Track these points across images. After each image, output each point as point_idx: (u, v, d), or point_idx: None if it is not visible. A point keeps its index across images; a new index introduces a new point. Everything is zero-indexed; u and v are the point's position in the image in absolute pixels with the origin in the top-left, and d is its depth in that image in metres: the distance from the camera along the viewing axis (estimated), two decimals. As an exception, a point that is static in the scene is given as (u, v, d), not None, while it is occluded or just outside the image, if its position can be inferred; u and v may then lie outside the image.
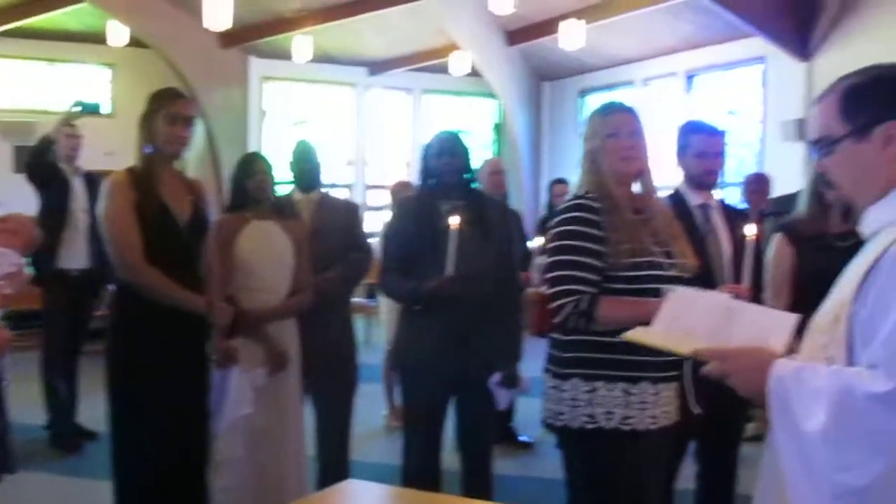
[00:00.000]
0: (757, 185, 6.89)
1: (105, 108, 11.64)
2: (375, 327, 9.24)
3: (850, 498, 1.65)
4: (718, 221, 3.67)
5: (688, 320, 2.20)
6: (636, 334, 2.27)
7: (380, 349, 6.95)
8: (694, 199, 3.65)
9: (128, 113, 11.30)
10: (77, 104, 5.99)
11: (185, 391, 3.65)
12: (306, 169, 4.44)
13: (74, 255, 5.99)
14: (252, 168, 4.03)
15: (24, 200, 6.05)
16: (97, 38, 11.79)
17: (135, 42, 11.67)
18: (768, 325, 2.11)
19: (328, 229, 4.31)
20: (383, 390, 6.63)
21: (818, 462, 1.67)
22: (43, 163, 5.86)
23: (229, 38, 11.76)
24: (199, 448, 3.74)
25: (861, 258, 1.85)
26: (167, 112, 3.63)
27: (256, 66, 13.06)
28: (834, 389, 1.68)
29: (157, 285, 3.54)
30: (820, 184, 2.02)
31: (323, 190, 4.54)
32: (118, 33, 11.42)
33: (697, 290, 2.33)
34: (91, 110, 6.07)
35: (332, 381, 4.34)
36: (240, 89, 12.92)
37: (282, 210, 4.10)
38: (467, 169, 3.91)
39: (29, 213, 4.73)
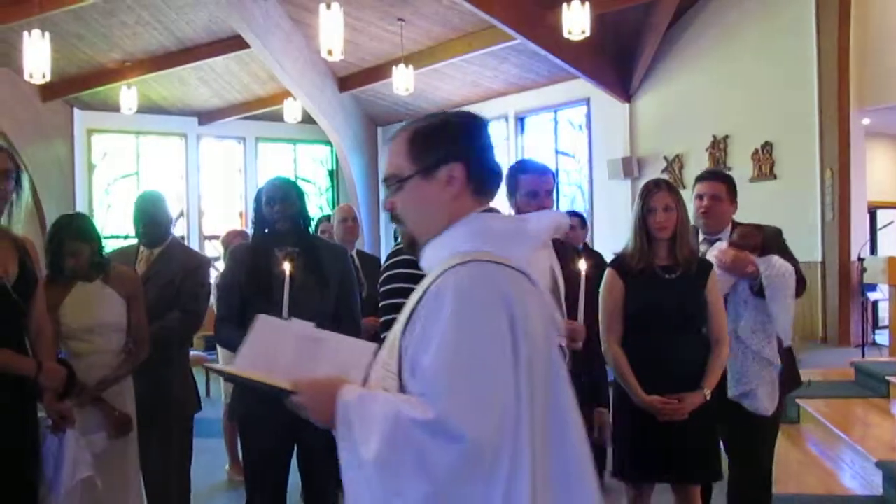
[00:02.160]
0: (573, 223, 7.09)
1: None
2: (215, 381, 9.03)
3: None
4: (553, 259, 3.76)
5: (276, 350, 2.10)
6: (235, 369, 2.16)
7: (220, 403, 6.80)
8: None
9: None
10: None
11: (8, 459, 3.46)
12: (148, 223, 4.31)
13: None
14: (63, 245, 3.85)
15: None
16: None
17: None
18: (349, 355, 2.09)
19: (160, 278, 4.19)
20: (224, 444, 6.48)
21: (375, 488, 1.76)
22: None
23: (52, 90, 11.38)
24: None
25: (413, 294, 1.94)
26: None
27: (81, 118, 12.68)
28: (387, 415, 1.76)
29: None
30: (392, 220, 2.10)
31: (173, 238, 4.42)
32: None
33: (280, 321, 2.20)
34: None
35: (166, 434, 4.21)
36: (65, 142, 12.50)
37: (104, 268, 3.95)
38: (301, 215, 3.88)
39: None
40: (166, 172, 13.78)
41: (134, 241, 4.49)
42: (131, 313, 3.91)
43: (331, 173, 14.94)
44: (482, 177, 2.00)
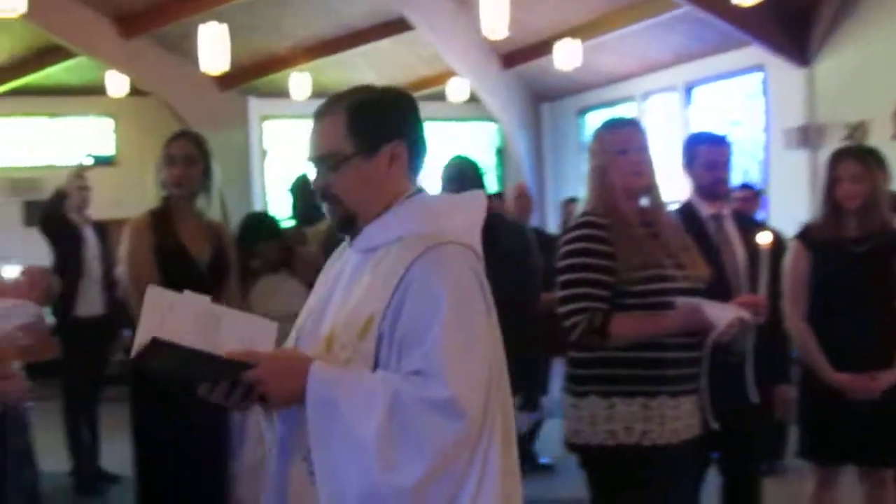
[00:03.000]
0: (743, 195, 6.85)
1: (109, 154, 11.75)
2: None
3: (393, 499, 1.74)
4: (731, 231, 3.64)
5: (174, 325, 1.87)
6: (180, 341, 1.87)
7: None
8: (705, 209, 3.63)
9: (131, 161, 11.44)
10: (88, 156, 6.16)
11: (206, 434, 3.65)
12: (306, 201, 4.45)
13: (90, 303, 6.09)
14: (252, 245, 4.01)
15: (34, 254, 6.12)
16: (98, 90, 11.89)
17: (135, 91, 11.76)
18: (252, 332, 1.96)
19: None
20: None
21: (367, 463, 1.74)
22: (56, 216, 5.98)
23: (227, 81, 11.84)
24: (220, 491, 3.73)
25: (366, 275, 1.92)
26: (164, 153, 3.68)
27: (255, 106, 13.15)
28: (386, 393, 1.76)
29: None
30: (322, 199, 2.02)
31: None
32: (118, 84, 11.52)
33: (173, 293, 1.97)
34: (103, 162, 6.23)
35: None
36: (240, 130, 13.00)
37: (288, 259, 4.10)
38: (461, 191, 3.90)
39: (42, 265, 4.76)
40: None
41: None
42: None
43: (497, 151, 14.95)
44: (419, 155, 2.02)
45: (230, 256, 3.82)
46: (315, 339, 1.94)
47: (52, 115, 12.78)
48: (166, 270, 3.57)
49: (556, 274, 3.10)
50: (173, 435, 3.56)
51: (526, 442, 5.95)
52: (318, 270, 4.06)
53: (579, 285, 2.96)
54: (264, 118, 13.53)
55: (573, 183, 13.79)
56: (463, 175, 3.91)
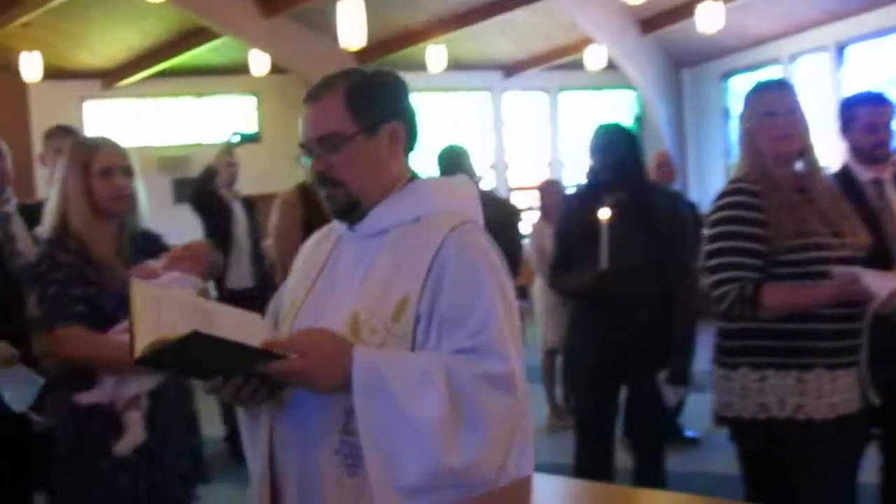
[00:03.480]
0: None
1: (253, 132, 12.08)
2: (530, 327, 9.22)
3: (449, 477, 1.69)
4: (893, 196, 3.46)
5: (168, 321, 1.74)
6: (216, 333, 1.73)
7: (536, 349, 6.91)
8: (864, 174, 3.44)
9: (274, 138, 11.74)
10: (236, 134, 6.32)
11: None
12: (450, 172, 4.48)
13: (240, 276, 6.26)
14: None
15: (184, 230, 6.33)
16: (241, 69, 12.23)
17: (276, 69, 12.04)
18: (244, 326, 1.85)
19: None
20: (543, 390, 6.61)
21: (428, 447, 1.69)
22: (207, 192, 6.18)
23: (365, 55, 11.99)
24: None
25: (383, 257, 1.87)
26: None
27: (393, 80, 13.26)
28: (443, 372, 1.72)
29: None
30: (321, 185, 1.93)
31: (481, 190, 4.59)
32: (260, 62, 11.82)
33: (158, 286, 1.88)
34: (249, 139, 6.41)
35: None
36: (379, 105, 13.14)
37: None
38: (627, 161, 3.82)
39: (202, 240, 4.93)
40: (473, 128, 14.15)
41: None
42: None
43: (636, 120, 14.67)
44: (414, 138, 1.99)
45: None
46: (331, 324, 1.84)
47: (199, 94, 13.24)
48: None
49: (705, 242, 3.02)
50: None
51: (672, 415, 5.86)
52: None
53: (729, 254, 2.87)
54: (401, 92, 13.65)
55: (716, 150, 13.41)
56: (605, 146, 3.84)
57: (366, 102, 1.89)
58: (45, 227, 2.91)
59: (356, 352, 1.75)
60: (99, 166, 2.81)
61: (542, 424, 6.49)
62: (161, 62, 11.98)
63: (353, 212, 1.92)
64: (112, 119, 12.66)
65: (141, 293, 1.76)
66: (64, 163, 2.90)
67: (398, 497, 1.71)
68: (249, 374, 1.77)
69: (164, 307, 1.76)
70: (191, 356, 1.72)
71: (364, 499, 1.75)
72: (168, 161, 12.42)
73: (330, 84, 1.91)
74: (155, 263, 2.85)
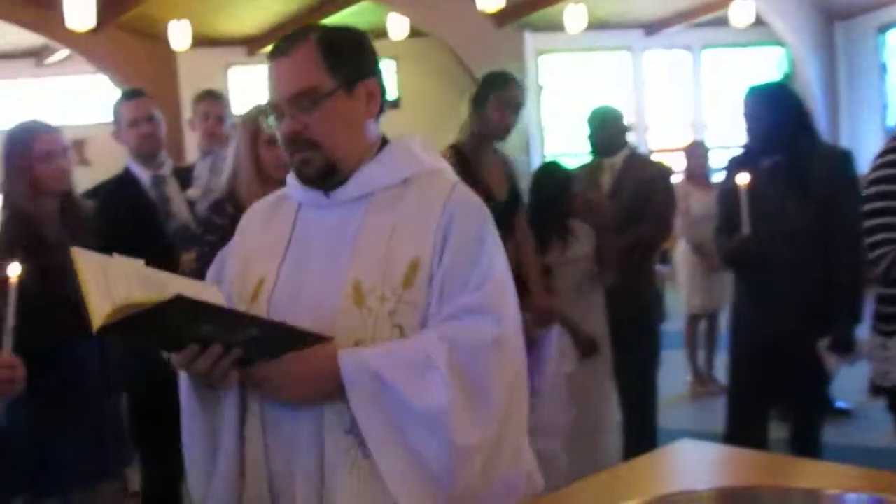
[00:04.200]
0: None
1: (392, 98, 12.20)
2: (671, 293, 9.05)
3: (471, 456, 1.61)
4: None
5: (122, 288, 1.60)
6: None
7: (678, 315, 6.78)
8: None
9: (413, 102, 11.82)
10: None
11: None
12: (603, 133, 4.42)
13: None
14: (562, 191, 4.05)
15: None
16: (380, 34, 12.33)
17: (415, 33, 12.08)
18: (202, 294, 1.69)
19: (626, 189, 4.28)
20: (685, 356, 6.49)
21: (443, 435, 1.60)
22: None
23: (503, 17, 11.88)
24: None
25: (375, 221, 1.75)
26: (497, 97, 3.72)
27: (531, 40, 13.13)
28: (443, 352, 1.62)
29: None
30: (292, 148, 1.75)
31: (632, 152, 4.52)
32: (399, 26, 11.87)
33: (100, 255, 1.70)
34: (388, 105, 6.46)
35: (634, 349, 4.29)
36: (517, 66, 13.04)
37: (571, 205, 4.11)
38: (786, 123, 3.65)
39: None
40: (613, 88, 13.89)
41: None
42: (601, 240, 4.05)
43: (785, 77, 14.08)
44: (384, 98, 1.87)
45: (521, 192, 3.88)
46: (318, 299, 1.72)
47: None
48: None
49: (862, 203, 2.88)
50: None
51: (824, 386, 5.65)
52: (602, 213, 4.08)
53: (886, 214, 2.73)
54: (540, 52, 13.50)
55: (871, 109, 12.77)
56: (753, 106, 3.68)
57: (342, 57, 1.75)
58: (197, 189, 3.00)
59: (340, 352, 1.63)
60: (266, 134, 2.88)
61: (685, 391, 6.37)
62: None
63: (329, 177, 1.77)
64: (256, 85, 12.96)
65: (85, 261, 1.62)
66: (238, 130, 3.00)
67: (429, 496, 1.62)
68: (230, 345, 1.62)
69: (111, 275, 1.62)
70: (164, 324, 1.58)
71: (382, 480, 1.63)
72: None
73: (299, 38, 1.77)
74: None
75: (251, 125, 2.93)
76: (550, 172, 4.26)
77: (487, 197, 3.67)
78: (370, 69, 1.81)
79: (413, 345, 1.66)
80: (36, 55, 12.69)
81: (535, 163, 11.36)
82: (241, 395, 1.76)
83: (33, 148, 3.01)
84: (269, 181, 2.88)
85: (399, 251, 1.71)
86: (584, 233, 4.07)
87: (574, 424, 3.86)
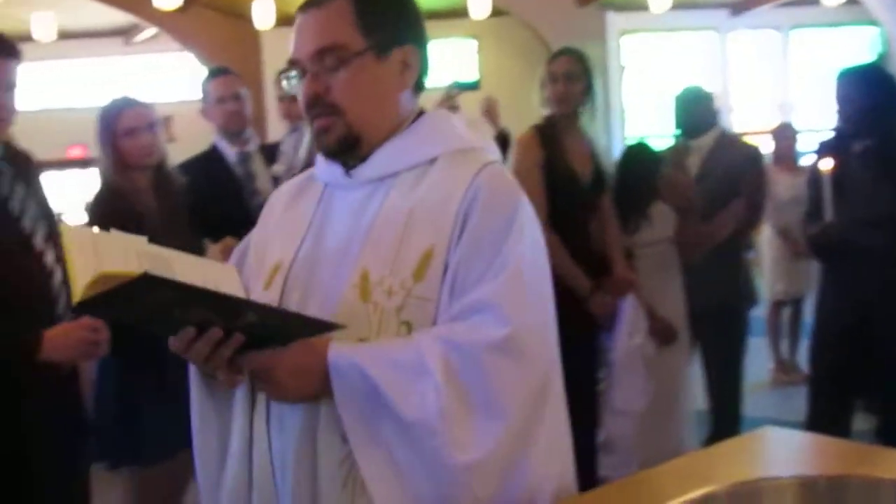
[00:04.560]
0: None
1: (472, 79, 12.18)
2: (758, 278, 8.90)
3: (467, 475, 1.41)
4: None
5: (114, 263, 1.44)
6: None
7: (762, 302, 6.66)
8: None
9: (494, 82, 11.76)
10: (454, 85, 6.49)
11: None
12: (691, 114, 4.36)
13: None
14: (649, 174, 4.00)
15: None
16: (461, 13, 12.29)
17: (496, 12, 12.02)
18: (214, 277, 1.56)
19: (716, 171, 4.21)
20: (768, 343, 6.38)
21: (433, 449, 1.41)
22: None
23: (586, -5, 11.78)
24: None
25: (393, 204, 1.55)
26: (547, 71, 3.72)
27: (613, 20, 12.96)
28: (439, 356, 1.42)
29: (552, 255, 3.61)
30: (313, 112, 1.58)
31: (722, 133, 4.45)
32: (480, 5, 11.82)
33: (93, 231, 1.58)
34: (468, 88, 6.56)
35: (721, 334, 4.23)
36: (599, 46, 12.89)
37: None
38: (880, 107, 3.54)
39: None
40: (697, 69, 13.65)
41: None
42: (684, 223, 4.00)
43: (879, 57, 13.65)
44: (425, 72, 1.66)
45: (606, 172, 3.84)
46: (328, 290, 1.56)
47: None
48: (552, 186, 3.63)
49: None
50: None
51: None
52: (686, 195, 4.00)
53: None
54: (622, 33, 13.32)
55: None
56: (844, 90, 3.58)
57: (378, 17, 1.57)
58: (282, 166, 3.02)
59: (332, 347, 1.46)
60: None
61: (767, 379, 6.26)
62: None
63: (350, 150, 1.59)
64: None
65: (74, 236, 1.48)
66: None
67: None
68: (230, 330, 1.43)
69: (103, 251, 1.46)
70: (147, 303, 1.38)
71: None
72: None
73: None
74: None
75: None
76: (638, 154, 4.20)
77: (571, 178, 3.65)
78: (410, 36, 1.62)
79: (408, 345, 1.46)
80: (124, 34, 12.97)
81: (617, 144, 11.25)
82: (251, 393, 1.61)
83: (117, 123, 3.10)
84: None
85: (413, 239, 1.52)
86: (666, 215, 4.02)
87: (649, 409, 3.83)
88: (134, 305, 1.39)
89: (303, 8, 1.60)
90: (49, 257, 2.58)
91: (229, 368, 1.48)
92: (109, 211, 3.00)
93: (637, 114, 13.68)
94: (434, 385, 1.42)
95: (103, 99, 3.26)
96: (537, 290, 1.53)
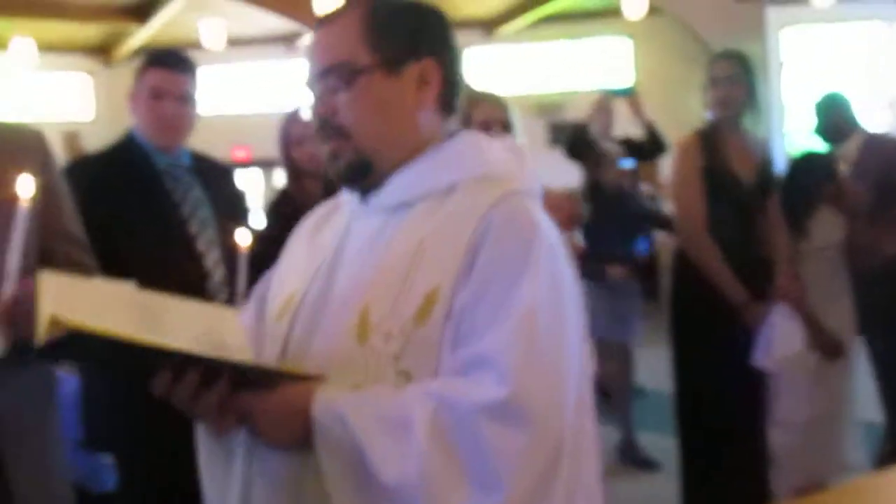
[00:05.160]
0: None
1: (629, 81, 12.06)
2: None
3: None
4: None
5: (90, 309, 1.30)
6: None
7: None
8: None
9: (650, 84, 11.57)
10: (609, 93, 6.57)
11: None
12: (829, 121, 4.25)
13: None
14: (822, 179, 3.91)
15: (557, 173, 6.63)
16: (614, 13, 12.18)
17: (652, 10, 11.85)
18: (213, 324, 1.42)
19: (866, 177, 4.08)
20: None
21: None
22: (581, 141, 6.38)
23: (747, -8, 11.48)
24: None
25: (403, 238, 1.41)
26: (708, 76, 3.69)
27: (773, 14, 12.57)
28: (427, 413, 1.25)
29: (707, 260, 3.58)
30: (323, 135, 1.45)
31: (867, 137, 4.32)
32: (635, 4, 11.68)
33: (70, 279, 1.43)
34: (623, 94, 6.57)
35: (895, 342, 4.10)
36: (757, 42, 12.54)
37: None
38: None
39: (565, 189, 5.09)
40: (865, 63, 13.08)
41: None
42: (854, 228, 3.89)
43: None
44: (455, 86, 1.50)
45: (771, 176, 3.78)
46: (330, 329, 1.42)
47: (573, 37, 13.29)
48: (712, 191, 3.60)
49: None
50: (703, 348, 3.57)
51: None
52: (855, 199, 3.88)
53: None
54: (782, 26, 12.90)
55: None
56: None
57: (390, 29, 1.44)
58: None
59: (318, 393, 1.33)
60: (478, 119, 2.94)
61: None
62: (537, 9, 12.21)
63: (362, 177, 1.47)
64: (492, 67, 13.14)
65: (49, 283, 1.35)
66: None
67: None
68: (208, 378, 1.32)
69: (80, 297, 1.34)
70: (109, 356, 1.31)
71: None
72: (543, 106, 12.73)
73: (349, 5, 1.48)
74: None
75: (464, 109, 2.97)
76: (812, 158, 4.10)
77: (733, 182, 3.60)
78: (429, 48, 1.47)
79: (397, 398, 1.31)
80: (286, 40, 13.43)
81: (775, 143, 10.91)
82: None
83: (290, 133, 3.27)
84: None
85: (419, 277, 1.37)
86: (832, 221, 3.90)
87: (812, 420, 3.73)
88: (92, 355, 1.32)
89: (317, 25, 1.50)
90: (210, 260, 2.79)
91: (219, 412, 1.35)
92: (282, 216, 3.16)
93: (797, 112, 13.23)
94: (416, 445, 1.25)
95: (266, 103, 3.46)
96: (552, 341, 1.33)
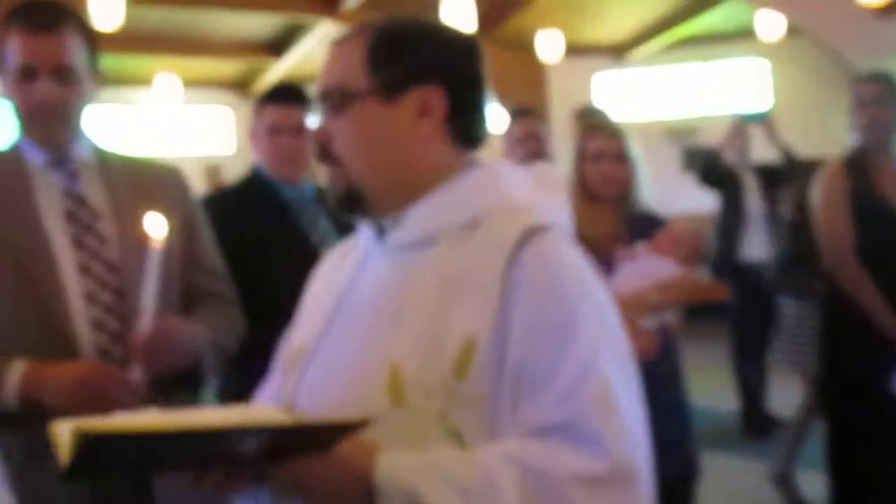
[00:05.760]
0: None
1: (766, 104, 11.73)
2: None
3: None
4: None
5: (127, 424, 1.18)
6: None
7: None
8: None
9: (787, 106, 11.21)
10: (743, 118, 6.53)
11: None
12: None
13: (753, 248, 6.30)
14: None
15: (690, 198, 6.51)
16: (748, 34, 11.88)
17: (789, 32, 11.52)
18: (244, 410, 1.33)
19: None
20: None
21: None
22: (715, 166, 6.37)
23: (886, 10, 11.01)
24: None
25: (424, 280, 1.29)
26: (854, 96, 3.58)
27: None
28: (513, 481, 1.15)
29: (858, 290, 3.46)
30: (322, 163, 1.36)
31: None
32: (770, 26, 11.37)
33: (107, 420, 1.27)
34: (758, 119, 6.51)
35: None
36: (899, 61, 12.03)
37: None
38: None
39: (694, 213, 4.98)
40: None
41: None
42: None
43: None
44: (468, 114, 1.38)
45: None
46: (356, 384, 1.31)
47: (706, 59, 12.99)
48: (861, 218, 3.49)
49: None
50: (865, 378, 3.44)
51: None
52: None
53: None
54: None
55: None
56: None
57: (391, 53, 1.35)
58: None
59: (379, 458, 1.22)
60: (592, 150, 2.88)
61: None
62: (667, 32, 12.02)
63: (354, 206, 1.38)
64: (622, 92, 12.99)
65: (58, 429, 1.23)
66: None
67: None
68: (232, 461, 1.23)
69: (101, 420, 1.24)
70: (140, 455, 1.21)
71: None
72: (675, 131, 12.52)
73: (361, 28, 1.40)
74: (640, 246, 2.85)
75: (578, 140, 2.94)
76: None
77: (883, 208, 3.46)
78: (434, 72, 1.36)
79: (471, 464, 1.20)
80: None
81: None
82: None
83: None
84: (596, 199, 2.87)
85: (448, 324, 1.27)
86: None
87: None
88: (126, 459, 1.22)
89: (328, 47, 1.44)
90: None
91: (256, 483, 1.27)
92: None
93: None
94: None
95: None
96: (623, 392, 1.25)
